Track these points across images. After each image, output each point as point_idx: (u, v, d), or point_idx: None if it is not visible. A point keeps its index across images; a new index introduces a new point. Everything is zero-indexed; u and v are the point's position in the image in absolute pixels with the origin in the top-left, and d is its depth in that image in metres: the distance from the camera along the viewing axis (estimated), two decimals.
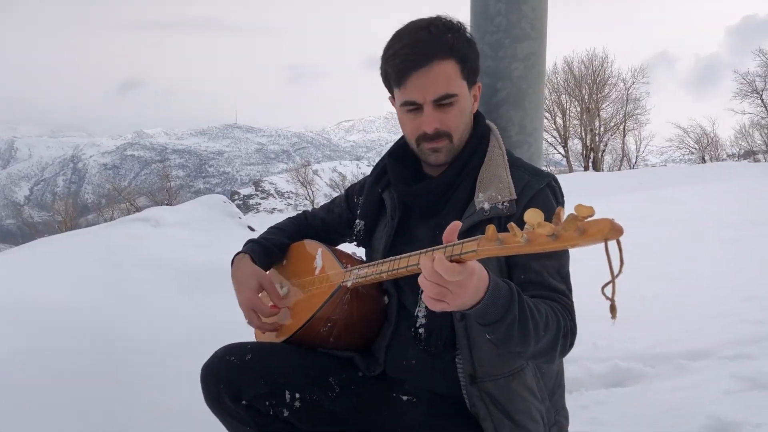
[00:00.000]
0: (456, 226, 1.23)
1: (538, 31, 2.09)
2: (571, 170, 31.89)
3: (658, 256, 6.48)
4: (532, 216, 1.05)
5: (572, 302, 1.55)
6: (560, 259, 1.59)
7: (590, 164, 32.19)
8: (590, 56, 31.24)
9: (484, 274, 1.24)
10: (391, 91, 1.71)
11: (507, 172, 1.66)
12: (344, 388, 1.72)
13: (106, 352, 3.84)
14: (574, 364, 3.16)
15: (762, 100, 31.77)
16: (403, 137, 1.82)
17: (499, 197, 1.60)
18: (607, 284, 1.05)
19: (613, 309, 1.08)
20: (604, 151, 33.39)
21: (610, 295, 1.05)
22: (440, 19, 1.64)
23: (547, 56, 2.16)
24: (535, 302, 1.40)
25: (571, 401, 2.75)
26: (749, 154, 39.17)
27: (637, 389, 2.89)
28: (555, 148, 33.24)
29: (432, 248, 1.27)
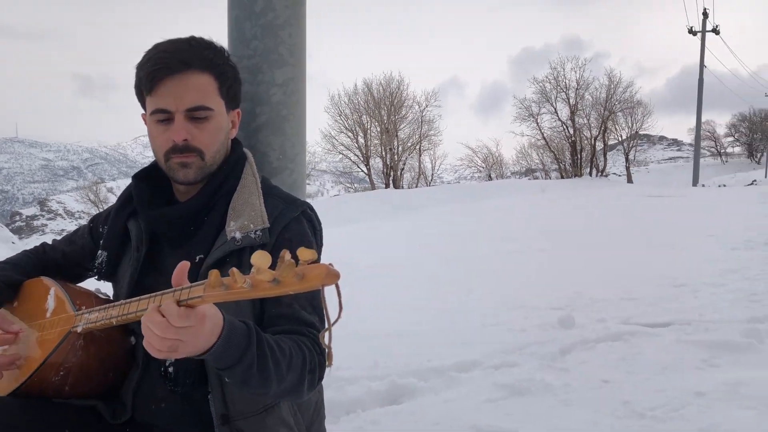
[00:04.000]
0: (184, 266, 1.16)
1: (296, 58, 2.08)
2: (373, 187, 32.97)
3: (443, 270, 6.88)
4: (259, 259, 1.01)
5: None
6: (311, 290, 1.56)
7: (391, 182, 33.54)
8: (387, 79, 32.72)
9: (218, 317, 1.17)
10: (143, 103, 1.60)
11: (260, 200, 1.61)
12: None
13: None
14: (354, 384, 3.20)
15: (537, 123, 35.31)
16: (155, 160, 1.71)
17: (251, 226, 1.55)
18: (324, 331, 1.05)
19: (329, 356, 1.08)
20: (403, 169, 34.99)
21: (328, 343, 1.05)
22: (202, 38, 1.58)
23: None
24: (278, 340, 1.36)
25: (347, 423, 2.77)
26: (529, 172, 43.43)
27: (410, 405, 2.98)
28: (358, 167, 34.22)
29: (159, 293, 1.19)
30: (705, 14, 31.86)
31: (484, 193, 25.02)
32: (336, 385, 3.16)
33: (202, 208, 1.60)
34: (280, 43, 2.03)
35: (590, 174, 35.17)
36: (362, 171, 34.11)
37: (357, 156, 33.49)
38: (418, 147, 34.09)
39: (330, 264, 1.01)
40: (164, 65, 1.50)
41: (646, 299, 4.94)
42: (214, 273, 1.07)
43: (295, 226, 1.60)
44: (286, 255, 1.04)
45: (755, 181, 42.50)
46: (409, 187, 34.54)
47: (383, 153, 33.11)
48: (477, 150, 40.26)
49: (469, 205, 18.77)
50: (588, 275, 6.28)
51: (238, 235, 1.54)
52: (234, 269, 1.04)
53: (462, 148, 42.14)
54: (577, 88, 33.97)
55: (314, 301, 1.56)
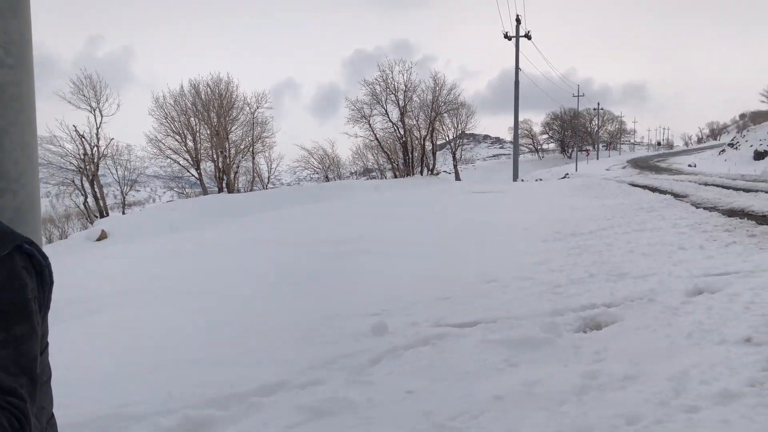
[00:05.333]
0: None
1: (17, 58, 1.74)
2: (205, 192, 31.78)
3: (258, 281, 6.60)
4: None
5: (27, 401, 1.23)
6: (19, 345, 1.24)
7: (225, 185, 32.51)
8: (215, 80, 31.61)
9: None
10: None
11: None
12: None
13: None
14: (141, 422, 2.87)
15: (370, 125, 36.00)
16: None
17: None
18: None
19: None
20: (237, 172, 34.07)
21: None
22: None
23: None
24: None
25: None
26: (366, 172, 44.22)
27: None
28: (188, 171, 32.83)
29: None
30: (518, 20, 34.11)
31: (321, 194, 24.99)
32: (119, 425, 2.81)
33: None
34: None
35: (421, 173, 36.45)
36: (193, 176, 32.73)
37: (186, 160, 32.05)
38: (251, 149, 33.33)
39: None
40: None
41: (459, 298, 5.01)
42: None
43: (4, 267, 1.28)
44: None
45: (567, 174, 46.50)
46: (245, 190, 33.71)
47: (215, 156, 31.98)
48: (313, 151, 40.26)
49: (304, 208, 18.60)
50: (408, 276, 6.32)
51: None
52: None
53: (298, 149, 41.81)
54: (405, 91, 35.08)
55: (22, 360, 1.25)
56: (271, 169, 38.79)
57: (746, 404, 2.56)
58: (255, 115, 33.05)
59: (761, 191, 12.06)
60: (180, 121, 31.13)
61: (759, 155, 49.35)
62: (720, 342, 3.38)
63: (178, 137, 31.35)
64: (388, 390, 3.08)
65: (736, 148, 57.28)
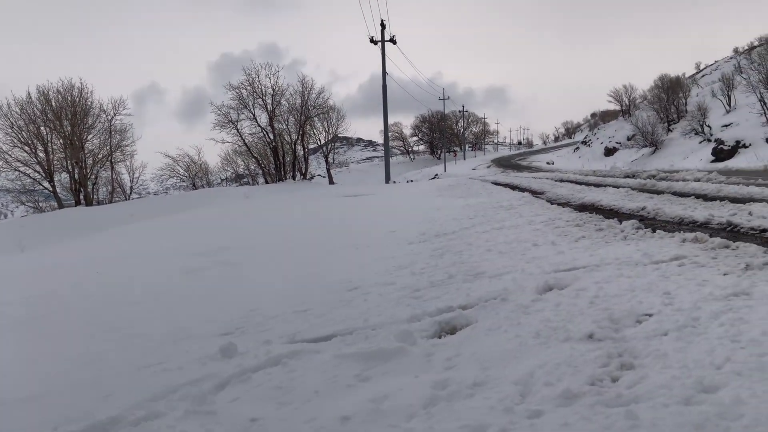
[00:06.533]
0: None
1: None
2: (61, 206, 29.57)
3: (100, 304, 6.10)
4: None
5: None
6: None
7: (82, 198, 30.44)
8: (67, 86, 29.43)
9: None
10: None
11: None
12: None
13: None
14: None
15: (238, 130, 35.06)
16: None
17: None
18: None
19: None
20: (96, 183, 32.05)
21: None
22: None
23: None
24: None
25: None
26: (238, 178, 43.11)
27: None
28: (41, 184, 30.41)
29: None
30: (383, 25, 34.58)
31: (186, 203, 23.98)
32: None
33: None
34: None
35: (294, 177, 36.05)
36: (46, 189, 30.33)
37: (38, 173, 29.64)
38: (110, 158, 31.43)
39: None
40: None
41: (318, 309, 4.84)
42: None
43: None
44: None
45: (437, 175, 47.80)
46: (105, 202, 31.77)
47: (70, 167, 29.82)
48: (178, 158, 38.73)
49: (167, 218, 17.73)
50: (269, 288, 6.08)
51: None
52: None
53: (162, 157, 39.99)
54: (273, 95, 34.55)
55: None
56: (133, 178, 36.90)
57: (586, 404, 2.58)
58: (113, 123, 31.22)
59: (609, 186, 12.87)
60: (28, 131, 28.74)
61: (609, 151, 53.24)
62: (565, 339, 3.43)
63: (27, 148, 28.94)
64: (231, 420, 2.85)
65: (589, 145, 61.52)
